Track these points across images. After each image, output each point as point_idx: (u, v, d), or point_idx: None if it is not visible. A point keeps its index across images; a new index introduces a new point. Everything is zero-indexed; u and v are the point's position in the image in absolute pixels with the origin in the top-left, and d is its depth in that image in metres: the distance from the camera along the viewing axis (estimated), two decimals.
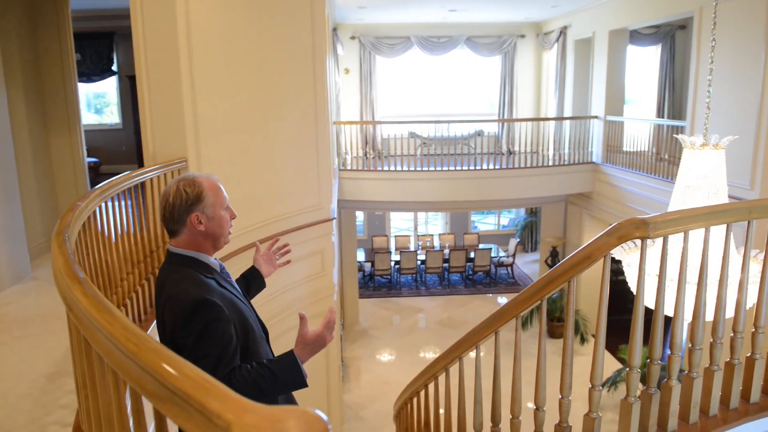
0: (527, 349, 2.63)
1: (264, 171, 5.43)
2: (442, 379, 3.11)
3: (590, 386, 2.23)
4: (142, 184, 3.72)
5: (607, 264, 2.12)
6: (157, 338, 1.96)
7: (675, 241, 2.83)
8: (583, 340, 10.19)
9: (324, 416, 0.75)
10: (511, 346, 2.47)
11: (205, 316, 1.80)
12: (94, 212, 2.77)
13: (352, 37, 12.84)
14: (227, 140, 4.84)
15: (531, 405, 2.43)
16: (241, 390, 1.77)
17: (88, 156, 7.14)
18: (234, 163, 4.94)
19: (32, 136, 5.86)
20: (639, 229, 2.03)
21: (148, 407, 1.23)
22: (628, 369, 2.16)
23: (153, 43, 4.11)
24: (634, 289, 3.21)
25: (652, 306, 3.09)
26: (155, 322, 2.01)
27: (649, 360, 2.19)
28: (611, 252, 2.15)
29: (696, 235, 2.22)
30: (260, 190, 5.34)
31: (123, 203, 3.40)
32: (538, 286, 2.32)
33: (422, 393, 3.33)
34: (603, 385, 8.13)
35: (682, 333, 2.23)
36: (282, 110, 5.58)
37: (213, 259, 2.03)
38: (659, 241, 2.23)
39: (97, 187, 2.90)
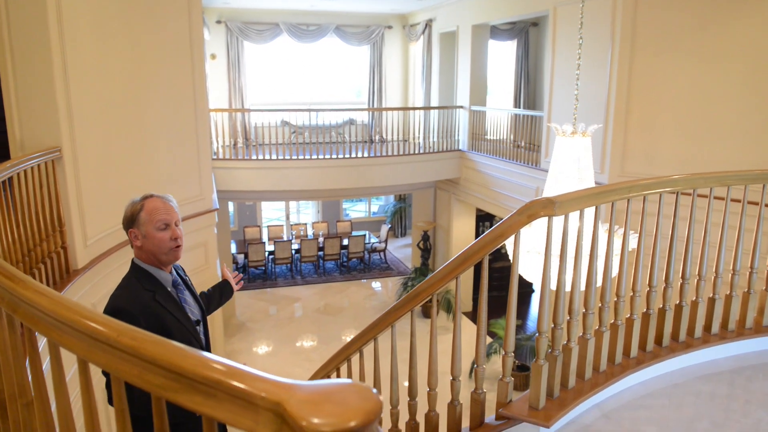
0: (403, 329, 2.82)
1: (144, 160, 5.14)
2: (355, 359, 3.20)
3: (503, 353, 2.44)
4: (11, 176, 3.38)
5: (519, 241, 2.32)
6: None
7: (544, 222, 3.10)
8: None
9: (372, 389, 0.79)
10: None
11: None
12: None
13: (218, 22, 12.37)
14: (105, 127, 4.52)
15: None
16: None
17: None
18: (112, 152, 4.62)
19: None
20: (546, 208, 2.25)
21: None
22: (537, 335, 2.39)
23: (18, 19, 3.70)
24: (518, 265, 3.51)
25: (529, 279, 3.40)
26: None
27: (553, 326, 2.44)
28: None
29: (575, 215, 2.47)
30: (140, 180, 5.04)
31: None
32: (454, 264, 2.47)
33: (333, 375, 3.39)
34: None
35: (579, 301, 2.50)
36: (161, 96, 5.31)
37: (165, 274, 2.22)
38: (545, 220, 2.45)
39: None
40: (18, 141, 3.84)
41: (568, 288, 2.47)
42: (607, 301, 2.61)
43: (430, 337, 2.62)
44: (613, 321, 2.69)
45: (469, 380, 8.83)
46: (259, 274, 14.05)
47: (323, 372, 3.40)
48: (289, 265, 14.17)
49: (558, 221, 2.32)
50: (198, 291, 2.85)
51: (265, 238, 15.08)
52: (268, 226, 15.84)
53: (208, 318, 2.86)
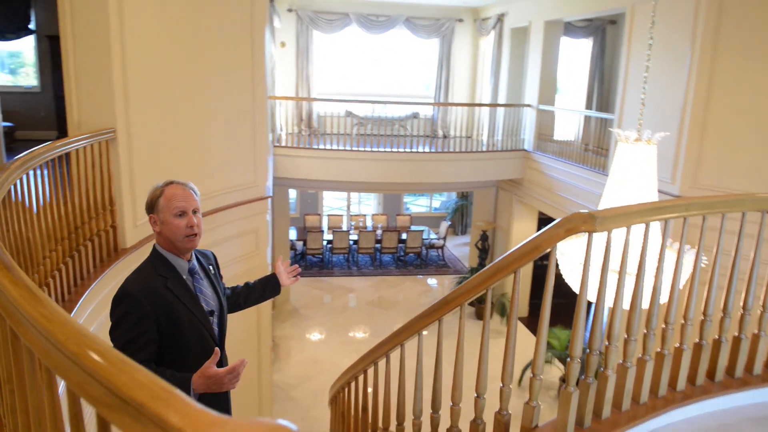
0: (452, 330, 2.65)
1: (198, 145, 5.21)
2: (382, 364, 3.10)
3: (531, 375, 2.27)
4: (66, 155, 3.47)
5: (555, 255, 2.15)
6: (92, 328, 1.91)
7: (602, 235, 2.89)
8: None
9: (293, 427, 0.70)
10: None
11: (125, 306, 2.04)
12: (14, 185, 2.54)
13: (290, 10, 12.49)
14: (160, 110, 4.59)
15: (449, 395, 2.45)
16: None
17: (2, 120, 6.60)
18: (166, 135, 4.69)
19: None
20: (586, 223, 2.06)
21: (87, 411, 1.14)
22: (569, 359, 2.21)
23: (80, 3, 3.80)
24: (566, 277, 3.30)
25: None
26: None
27: (588, 350, 2.25)
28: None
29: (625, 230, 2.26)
30: (193, 164, 5.11)
31: (45, 175, 3.15)
32: (486, 274, 2.32)
33: (360, 378, 3.31)
34: (527, 367, 8.45)
35: (620, 324, 2.29)
36: (218, 81, 5.35)
37: (182, 261, 2.21)
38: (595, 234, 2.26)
39: (17, 157, 2.66)
40: (76, 121, 3.95)
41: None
42: (653, 328, 2.39)
43: (456, 349, 2.48)
44: (659, 349, 2.46)
45: (518, 388, 8.57)
46: (316, 262, 14.19)
47: (349, 374, 3.32)
48: (346, 255, 14.24)
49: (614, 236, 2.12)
50: (243, 281, 2.79)
51: (324, 227, 15.21)
52: (328, 215, 15.97)
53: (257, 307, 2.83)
